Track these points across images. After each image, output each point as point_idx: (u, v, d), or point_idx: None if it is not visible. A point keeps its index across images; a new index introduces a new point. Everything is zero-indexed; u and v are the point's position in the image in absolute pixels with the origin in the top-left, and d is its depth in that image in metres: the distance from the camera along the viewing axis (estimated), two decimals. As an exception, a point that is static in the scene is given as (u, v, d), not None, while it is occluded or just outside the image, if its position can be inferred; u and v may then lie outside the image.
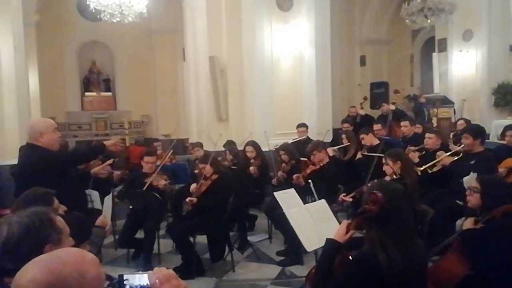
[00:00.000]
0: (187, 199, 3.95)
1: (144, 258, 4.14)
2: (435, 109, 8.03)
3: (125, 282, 1.18)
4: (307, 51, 7.17)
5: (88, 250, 2.07)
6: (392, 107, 7.68)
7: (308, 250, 2.68)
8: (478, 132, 4.05)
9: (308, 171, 4.54)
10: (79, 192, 3.28)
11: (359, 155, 5.22)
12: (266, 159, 5.20)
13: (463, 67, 9.25)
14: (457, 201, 3.90)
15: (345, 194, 3.44)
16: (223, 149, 5.79)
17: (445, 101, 8.17)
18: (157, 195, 4.12)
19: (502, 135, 4.99)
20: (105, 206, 2.95)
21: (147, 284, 1.18)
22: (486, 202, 2.37)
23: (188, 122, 8.82)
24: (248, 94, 6.89)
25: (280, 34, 6.92)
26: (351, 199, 3.38)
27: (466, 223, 2.54)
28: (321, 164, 4.50)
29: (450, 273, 2.20)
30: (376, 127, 6.20)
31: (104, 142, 3.33)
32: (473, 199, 2.47)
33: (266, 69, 6.86)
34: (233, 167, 5.20)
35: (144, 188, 4.18)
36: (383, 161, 3.51)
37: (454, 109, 8.13)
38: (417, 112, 9.23)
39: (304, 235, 2.68)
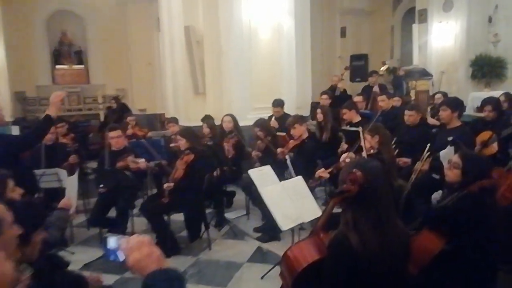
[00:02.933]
0: (164, 186, 3.84)
1: (117, 238, 4.02)
2: (414, 82, 7.99)
3: (107, 242, 1.24)
4: (286, 22, 6.94)
5: (45, 237, 1.93)
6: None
7: (283, 229, 2.62)
8: (456, 104, 4.02)
9: (290, 145, 4.46)
10: (27, 173, 3.09)
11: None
12: (242, 134, 5.08)
13: (442, 39, 9.22)
14: (433, 175, 3.91)
15: (323, 169, 3.37)
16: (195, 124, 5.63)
17: (424, 74, 8.13)
18: (128, 173, 3.94)
19: (480, 109, 4.97)
20: (68, 187, 2.79)
21: (116, 247, 1.20)
22: (466, 178, 2.32)
23: (165, 96, 8.55)
24: (225, 66, 6.66)
25: (258, 4, 6.64)
26: (328, 175, 3.32)
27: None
28: (302, 139, 4.42)
29: (426, 249, 2.17)
30: (357, 98, 6.11)
31: (47, 112, 3.08)
32: (452, 174, 2.41)
33: (244, 40, 6.61)
34: (209, 143, 5.06)
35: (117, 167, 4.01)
36: (361, 135, 3.43)
37: (432, 82, 8.12)
38: (396, 85, 9.20)
39: (280, 213, 2.60)
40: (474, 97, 7.21)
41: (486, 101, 4.74)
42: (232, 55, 6.59)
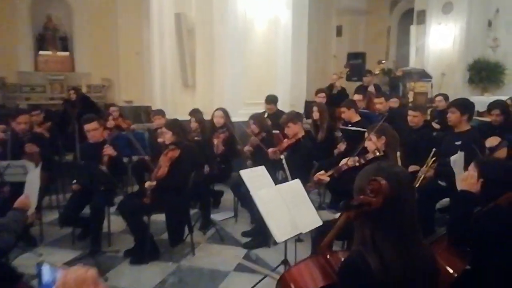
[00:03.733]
0: (146, 185, 3.46)
1: (91, 239, 3.64)
2: (412, 83, 7.74)
3: (41, 273, 1.00)
4: (283, 14, 6.62)
5: None
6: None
7: (278, 241, 2.27)
8: (466, 106, 3.72)
9: (285, 145, 4.11)
10: None
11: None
12: (234, 131, 4.73)
13: (440, 41, 9.02)
14: (439, 182, 3.63)
15: (323, 172, 3.03)
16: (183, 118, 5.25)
17: (423, 75, 7.90)
18: (104, 168, 3.54)
19: (486, 112, 4.72)
20: (27, 184, 2.39)
21: (51, 281, 0.97)
22: (488, 190, 2.01)
23: (152, 87, 8.14)
24: (218, 58, 6.29)
25: (255, -7, 6.30)
26: (328, 179, 2.99)
27: None
28: (298, 138, 4.08)
29: (446, 272, 1.86)
30: (357, 97, 5.80)
31: None
32: (471, 187, 2.10)
33: (239, 31, 6.26)
34: (196, 138, 4.70)
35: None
36: (365, 136, 3.12)
37: (432, 84, 7.89)
38: (392, 86, 8.96)
39: (275, 222, 2.26)
40: (474, 101, 6.97)
41: (493, 105, 4.48)
42: (225, 46, 6.23)
